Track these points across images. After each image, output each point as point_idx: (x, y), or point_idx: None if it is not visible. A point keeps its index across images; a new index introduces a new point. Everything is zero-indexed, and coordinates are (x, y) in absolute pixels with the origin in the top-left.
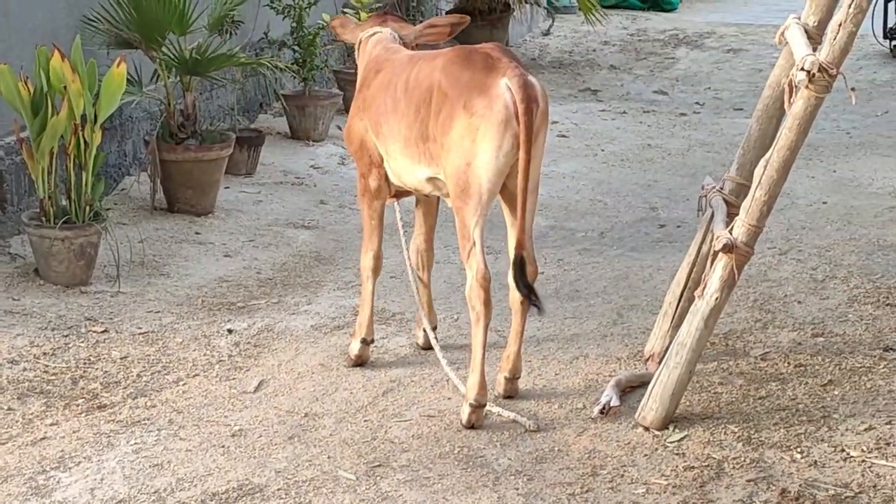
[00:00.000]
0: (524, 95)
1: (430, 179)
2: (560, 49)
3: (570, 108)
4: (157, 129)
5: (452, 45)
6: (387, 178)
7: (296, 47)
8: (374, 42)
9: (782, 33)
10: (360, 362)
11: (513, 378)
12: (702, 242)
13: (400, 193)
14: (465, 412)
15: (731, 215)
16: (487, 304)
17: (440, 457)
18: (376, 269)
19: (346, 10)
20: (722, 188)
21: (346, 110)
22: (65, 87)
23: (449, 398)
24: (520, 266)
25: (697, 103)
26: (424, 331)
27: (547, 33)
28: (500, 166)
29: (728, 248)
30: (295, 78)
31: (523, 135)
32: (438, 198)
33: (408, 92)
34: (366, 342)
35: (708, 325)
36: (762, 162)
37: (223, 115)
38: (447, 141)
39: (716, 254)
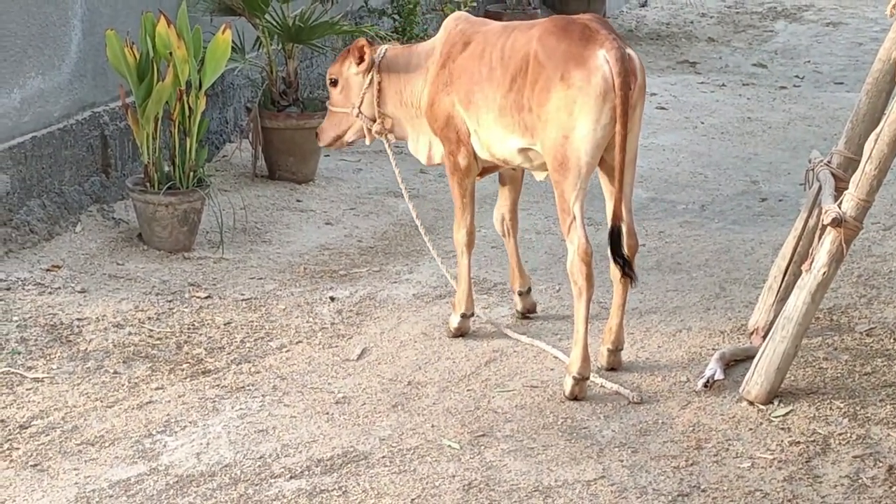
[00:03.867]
0: (622, 68)
1: (523, 150)
2: (657, 21)
3: (669, 80)
4: (258, 96)
5: (549, 16)
6: (475, 155)
7: (396, 16)
8: (455, 18)
9: (894, 6)
10: (460, 335)
11: (616, 350)
12: (808, 216)
13: (485, 171)
14: (567, 384)
15: (839, 189)
16: (589, 278)
17: (544, 427)
18: (470, 245)
19: None
20: (830, 162)
21: None
22: (170, 54)
23: (552, 369)
24: (616, 237)
25: (797, 76)
26: (519, 293)
27: (644, 4)
28: (598, 140)
29: (837, 222)
30: None
31: (620, 108)
32: (523, 172)
33: (503, 60)
34: (465, 316)
35: (815, 300)
36: (872, 136)
37: (323, 84)
38: (543, 113)
39: (824, 228)
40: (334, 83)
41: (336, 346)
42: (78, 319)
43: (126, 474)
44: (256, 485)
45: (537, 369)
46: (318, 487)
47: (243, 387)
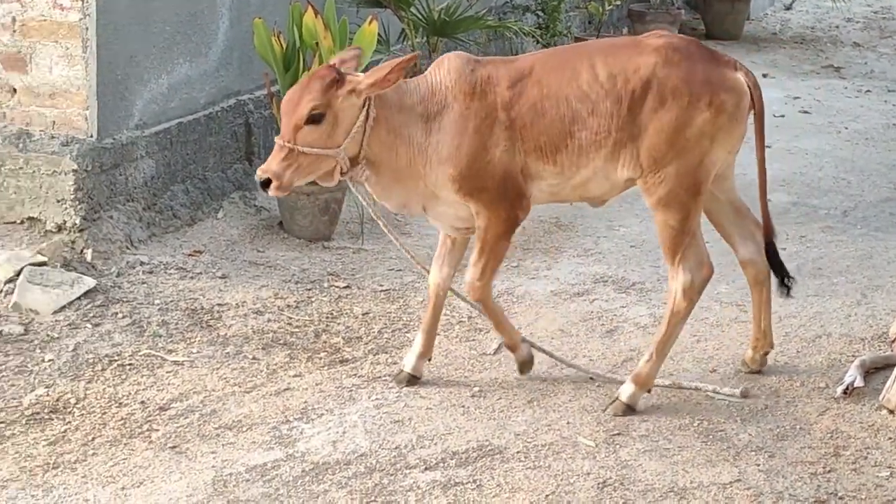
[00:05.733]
0: (759, 91)
1: (628, 181)
2: (802, 24)
3: (813, 84)
4: None
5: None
6: None
7: (539, 12)
8: (459, 58)
9: None
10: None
11: (767, 353)
12: None
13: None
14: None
15: None
16: (694, 302)
17: (680, 428)
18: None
19: None
20: None
21: None
22: (317, 44)
23: (687, 370)
24: (773, 250)
25: None
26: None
27: (789, 7)
28: (728, 162)
29: None
30: (538, 43)
31: (759, 130)
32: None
33: (609, 91)
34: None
35: None
36: None
37: None
38: (675, 138)
39: None
40: (318, 119)
41: (473, 340)
42: (218, 305)
43: (263, 459)
44: (391, 475)
45: (674, 370)
46: (452, 480)
47: (380, 377)
